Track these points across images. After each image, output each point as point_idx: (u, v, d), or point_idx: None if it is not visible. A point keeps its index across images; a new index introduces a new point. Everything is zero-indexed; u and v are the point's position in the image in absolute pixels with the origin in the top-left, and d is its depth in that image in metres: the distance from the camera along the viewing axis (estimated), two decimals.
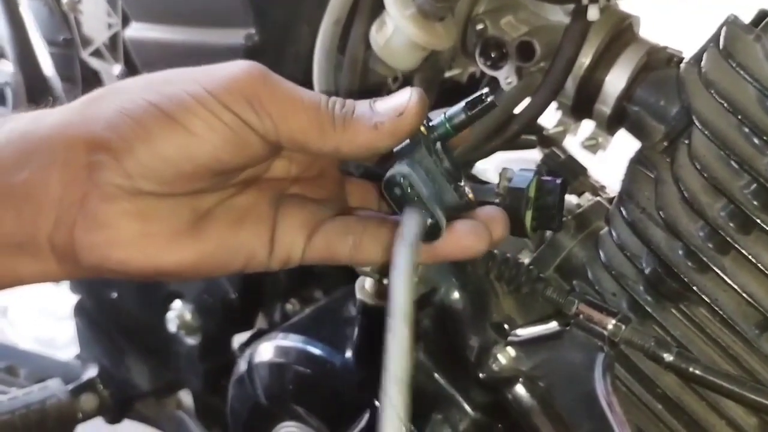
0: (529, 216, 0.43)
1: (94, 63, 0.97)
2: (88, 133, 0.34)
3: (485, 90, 0.39)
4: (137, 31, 0.85)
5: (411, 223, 0.36)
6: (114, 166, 0.34)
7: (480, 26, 0.65)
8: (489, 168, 0.87)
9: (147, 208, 0.34)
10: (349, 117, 0.37)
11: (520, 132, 0.64)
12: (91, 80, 1.09)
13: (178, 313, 0.89)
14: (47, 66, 1.25)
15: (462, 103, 0.39)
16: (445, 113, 0.40)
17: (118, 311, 0.96)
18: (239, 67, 0.36)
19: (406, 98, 0.36)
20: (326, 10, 0.67)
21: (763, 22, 0.47)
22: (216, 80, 0.35)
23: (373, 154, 0.38)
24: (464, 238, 0.37)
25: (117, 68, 0.92)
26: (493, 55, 0.64)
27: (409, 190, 0.37)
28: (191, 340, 0.90)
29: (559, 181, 0.43)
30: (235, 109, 0.35)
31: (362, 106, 0.37)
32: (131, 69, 0.91)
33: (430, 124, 0.39)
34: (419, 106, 0.36)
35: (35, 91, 1.29)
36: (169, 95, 0.35)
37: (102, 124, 0.34)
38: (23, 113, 0.36)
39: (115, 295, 0.96)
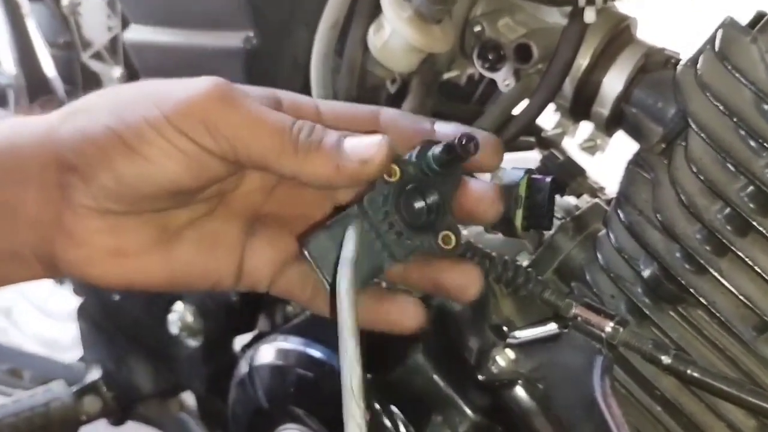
0: (519, 215, 0.43)
1: (95, 65, 0.97)
2: (58, 154, 0.36)
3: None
4: (136, 33, 0.85)
5: (349, 242, 0.36)
6: (82, 188, 0.35)
7: (477, 28, 0.65)
8: None
9: (117, 225, 0.36)
10: (314, 147, 0.36)
11: (518, 134, 0.65)
12: (92, 82, 1.10)
13: (179, 315, 0.89)
14: (49, 67, 1.26)
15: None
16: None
17: (120, 313, 0.97)
18: (199, 87, 0.36)
19: (375, 146, 0.36)
20: (323, 12, 0.67)
21: (760, 24, 0.47)
22: (174, 104, 0.35)
23: (332, 189, 0.38)
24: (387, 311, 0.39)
25: (117, 71, 0.92)
26: (490, 57, 0.64)
27: (316, 265, 0.37)
28: (193, 342, 0.90)
29: (549, 179, 0.43)
30: (190, 134, 0.35)
31: (331, 137, 0.36)
32: (131, 71, 0.91)
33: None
34: (385, 157, 0.36)
35: (37, 93, 1.30)
36: (128, 122, 0.35)
37: (68, 147, 0.36)
38: (7, 119, 0.37)
39: (117, 297, 0.96)
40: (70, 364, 1.08)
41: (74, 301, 1.04)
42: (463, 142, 0.35)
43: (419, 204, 0.38)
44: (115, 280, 0.37)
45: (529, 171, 0.47)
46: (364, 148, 0.36)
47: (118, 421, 1.01)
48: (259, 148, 0.35)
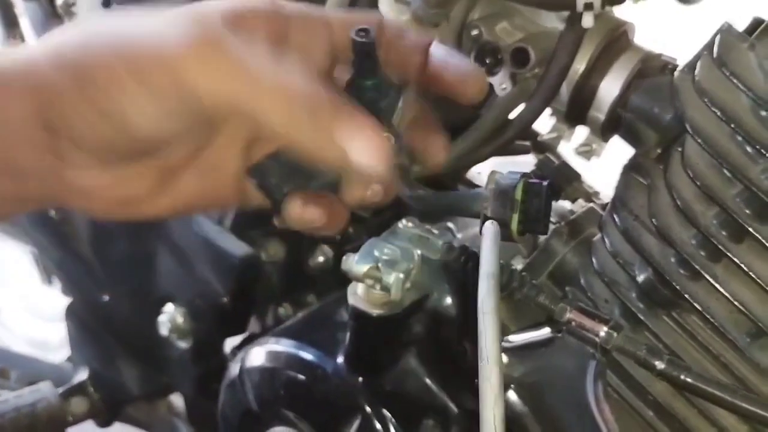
0: (515, 219, 0.43)
1: None
2: (40, 117, 0.33)
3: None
4: None
5: (488, 252, 0.36)
6: (74, 149, 0.34)
7: (475, 32, 0.65)
8: (483, 172, 0.87)
9: (120, 177, 0.36)
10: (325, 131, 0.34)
11: (514, 137, 0.65)
12: None
13: (169, 316, 0.88)
14: None
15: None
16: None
17: (109, 314, 0.96)
18: (177, 30, 0.33)
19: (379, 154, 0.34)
20: None
21: (758, 31, 0.47)
22: (143, 51, 0.33)
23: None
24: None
25: None
26: (488, 61, 0.64)
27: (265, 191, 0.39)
28: (183, 344, 0.89)
29: (546, 183, 0.43)
30: (165, 88, 0.33)
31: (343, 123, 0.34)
32: None
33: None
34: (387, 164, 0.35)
35: None
36: (94, 67, 0.33)
37: (45, 107, 0.33)
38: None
39: (106, 298, 0.95)
40: (58, 365, 1.07)
41: (63, 301, 1.04)
42: (356, 32, 0.36)
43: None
44: (124, 218, 0.39)
45: (525, 175, 0.47)
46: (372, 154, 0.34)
47: (105, 423, 1.00)
48: (248, 109, 0.33)
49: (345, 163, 0.34)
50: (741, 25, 0.49)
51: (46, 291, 1.25)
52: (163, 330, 0.89)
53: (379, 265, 0.53)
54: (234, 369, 0.70)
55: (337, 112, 0.34)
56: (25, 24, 1.21)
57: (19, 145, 0.34)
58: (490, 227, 0.37)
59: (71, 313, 1.01)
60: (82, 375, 0.99)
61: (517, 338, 0.57)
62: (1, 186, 0.35)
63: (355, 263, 0.53)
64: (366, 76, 0.37)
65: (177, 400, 1.03)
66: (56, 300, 1.15)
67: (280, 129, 0.34)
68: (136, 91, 0.33)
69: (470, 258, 0.57)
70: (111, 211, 0.38)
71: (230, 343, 0.91)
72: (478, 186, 0.83)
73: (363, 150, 0.34)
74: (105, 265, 0.94)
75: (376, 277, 0.53)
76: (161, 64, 0.33)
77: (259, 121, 0.34)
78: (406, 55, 0.38)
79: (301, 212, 0.38)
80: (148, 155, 0.36)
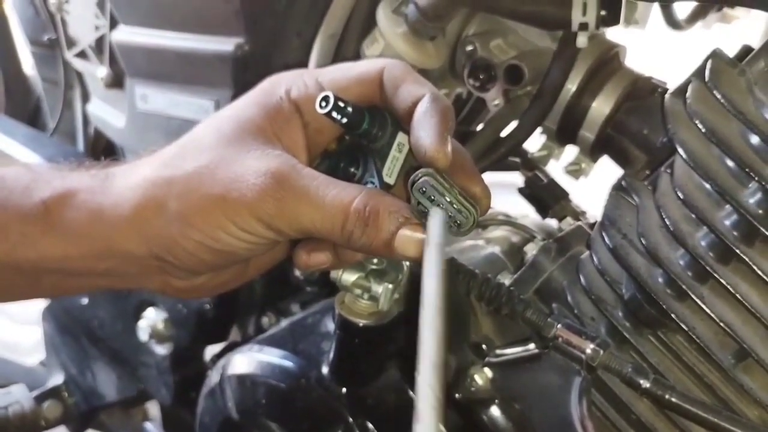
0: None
1: (79, 64, 0.96)
2: (148, 250, 0.43)
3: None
4: (125, 34, 0.84)
5: (435, 227, 0.38)
6: (178, 272, 0.45)
7: (470, 48, 0.66)
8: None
9: (212, 277, 0.46)
10: (365, 246, 0.40)
11: (507, 154, 0.65)
12: (73, 81, 1.08)
13: (150, 321, 0.87)
14: (28, 65, 1.24)
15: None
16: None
17: (87, 317, 0.94)
18: (256, 180, 0.40)
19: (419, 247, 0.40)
20: (322, 23, 0.67)
21: (748, 57, 0.48)
22: (232, 201, 0.40)
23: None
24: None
25: (102, 70, 0.91)
26: (481, 77, 0.65)
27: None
28: (162, 350, 0.88)
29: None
30: (249, 229, 0.41)
31: (382, 237, 0.40)
32: (117, 72, 0.90)
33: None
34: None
35: (14, 90, 1.28)
36: (196, 225, 0.41)
37: (153, 244, 0.42)
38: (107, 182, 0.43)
39: (85, 301, 0.94)
40: (32, 368, 1.05)
41: (37, 305, 1.02)
42: (321, 105, 0.41)
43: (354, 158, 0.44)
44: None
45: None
46: (414, 249, 0.40)
47: (78, 429, 0.98)
48: (320, 233, 0.41)
49: (389, 257, 0.42)
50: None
51: None
52: (143, 335, 0.88)
53: (368, 274, 0.53)
54: (215, 376, 0.69)
55: (377, 218, 0.40)
56: (12, 21, 1.20)
57: (138, 270, 0.44)
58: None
59: (49, 315, 0.99)
60: (56, 379, 0.97)
61: (503, 353, 0.57)
62: (116, 286, 0.47)
63: (344, 272, 0.53)
64: (351, 130, 0.42)
65: (153, 407, 1.01)
66: (30, 303, 1.13)
67: (339, 243, 0.42)
68: (229, 228, 0.41)
69: (459, 271, 0.57)
70: (199, 296, 0.48)
71: (210, 351, 0.90)
72: None
73: (406, 248, 0.40)
74: None
75: (365, 286, 0.53)
76: (246, 206, 0.40)
77: (321, 236, 0.41)
78: (399, 105, 0.43)
79: (307, 259, 0.45)
80: (233, 263, 0.45)
